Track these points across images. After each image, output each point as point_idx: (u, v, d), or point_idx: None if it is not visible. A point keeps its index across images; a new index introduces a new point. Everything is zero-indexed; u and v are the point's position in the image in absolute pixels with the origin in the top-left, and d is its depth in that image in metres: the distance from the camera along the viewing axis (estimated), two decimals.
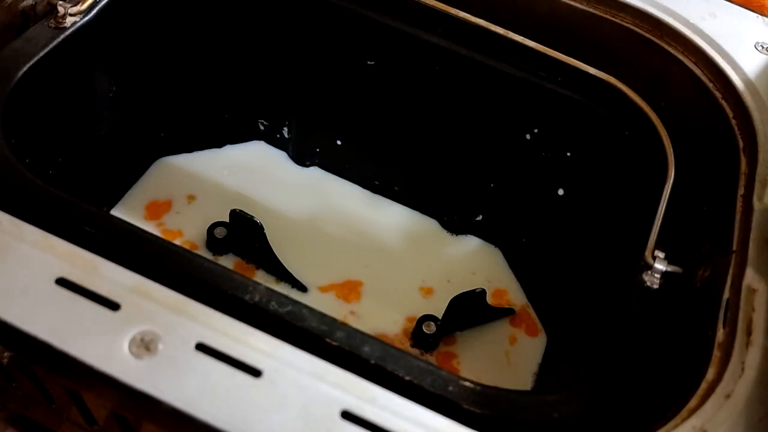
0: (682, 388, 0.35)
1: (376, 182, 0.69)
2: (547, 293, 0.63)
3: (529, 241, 0.65)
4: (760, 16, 0.54)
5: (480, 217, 0.66)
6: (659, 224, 0.44)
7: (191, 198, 0.67)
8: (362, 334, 0.36)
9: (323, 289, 0.62)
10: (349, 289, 0.63)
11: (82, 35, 0.50)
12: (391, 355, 0.35)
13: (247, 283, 0.37)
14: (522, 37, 0.53)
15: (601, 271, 0.55)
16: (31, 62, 0.46)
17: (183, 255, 0.37)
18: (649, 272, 0.42)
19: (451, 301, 0.59)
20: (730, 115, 0.47)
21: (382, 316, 0.61)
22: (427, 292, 0.64)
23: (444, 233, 0.68)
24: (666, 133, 0.49)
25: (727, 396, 0.33)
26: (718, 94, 0.48)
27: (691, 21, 0.51)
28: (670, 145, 0.48)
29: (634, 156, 0.52)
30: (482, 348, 0.61)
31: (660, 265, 0.42)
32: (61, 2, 0.49)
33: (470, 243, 0.68)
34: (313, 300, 0.61)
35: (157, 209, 0.65)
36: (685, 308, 0.41)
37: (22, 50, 0.47)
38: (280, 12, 0.60)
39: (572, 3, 0.52)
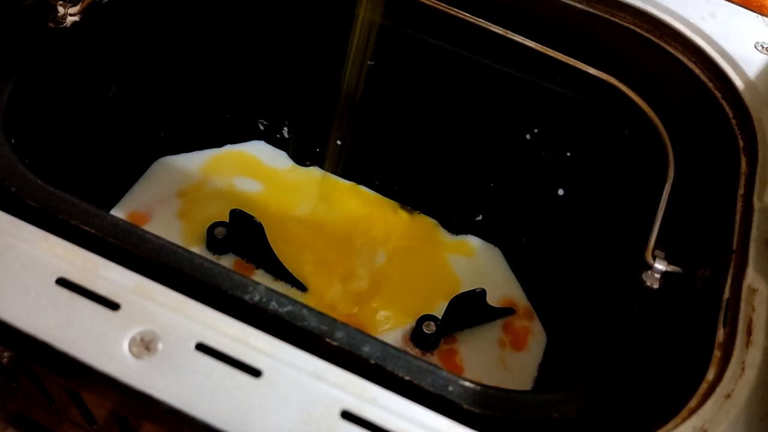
0: (683, 388, 0.35)
1: (376, 182, 0.69)
2: (547, 293, 0.63)
3: (529, 241, 0.65)
4: (760, 16, 0.54)
5: (480, 217, 0.66)
6: (659, 224, 0.44)
7: (191, 198, 0.66)
8: (362, 334, 0.36)
9: (323, 290, 0.62)
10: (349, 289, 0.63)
11: (82, 35, 0.50)
12: (391, 355, 0.35)
13: (247, 283, 0.37)
14: (522, 37, 0.53)
15: (601, 271, 0.55)
16: (31, 62, 0.46)
17: (183, 255, 0.37)
18: (649, 272, 0.42)
19: (451, 301, 0.59)
20: (730, 115, 0.47)
21: (383, 316, 0.61)
22: (428, 292, 0.64)
23: (444, 233, 0.68)
24: (666, 133, 0.49)
25: (728, 396, 0.33)
26: (718, 94, 0.48)
27: (691, 21, 0.51)
28: (670, 145, 0.48)
29: (634, 156, 0.52)
30: (482, 348, 0.61)
31: (660, 265, 0.42)
32: (61, 2, 0.49)
33: (470, 243, 0.68)
34: (313, 300, 0.61)
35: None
36: (685, 308, 0.41)
37: (22, 50, 0.47)
38: (279, 12, 0.60)
39: (572, 3, 0.52)
